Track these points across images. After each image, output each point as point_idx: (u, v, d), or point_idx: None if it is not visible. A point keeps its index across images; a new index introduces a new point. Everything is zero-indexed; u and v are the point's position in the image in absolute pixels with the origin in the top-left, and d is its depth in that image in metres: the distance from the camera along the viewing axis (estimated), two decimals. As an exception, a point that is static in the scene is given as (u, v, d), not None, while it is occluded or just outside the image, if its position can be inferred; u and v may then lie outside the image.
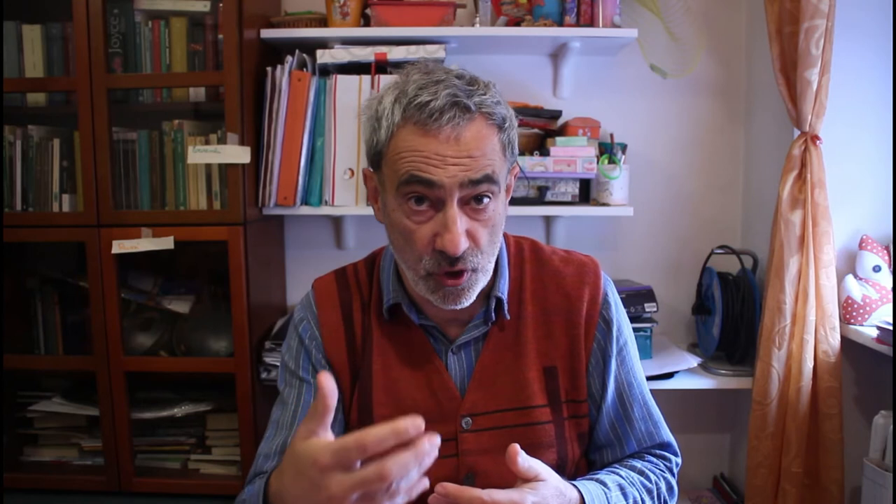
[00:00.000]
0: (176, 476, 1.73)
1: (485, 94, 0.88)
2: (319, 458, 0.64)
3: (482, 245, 0.89)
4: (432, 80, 0.87)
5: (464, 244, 0.86)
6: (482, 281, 0.93)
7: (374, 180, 0.96)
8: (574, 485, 0.89)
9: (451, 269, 0.88)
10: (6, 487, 1.69)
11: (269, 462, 0.98)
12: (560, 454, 0.98)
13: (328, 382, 0.66)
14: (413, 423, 0.62)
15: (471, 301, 0.92)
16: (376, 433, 0.62)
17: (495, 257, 0.95)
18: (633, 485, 0.96)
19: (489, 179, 0.87)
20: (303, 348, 1.02)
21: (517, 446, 0.81)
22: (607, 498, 0.91)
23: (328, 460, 0.64)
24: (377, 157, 0.91)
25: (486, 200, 0.88)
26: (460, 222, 0.86)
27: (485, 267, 0.92)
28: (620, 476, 0.97)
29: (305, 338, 1.02)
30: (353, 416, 0.99)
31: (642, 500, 0.96)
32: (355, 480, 0.63)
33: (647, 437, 1.03)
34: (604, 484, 0.93)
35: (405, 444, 0.63)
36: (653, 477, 0.99)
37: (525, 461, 0.82)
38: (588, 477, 0.96)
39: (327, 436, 0.68)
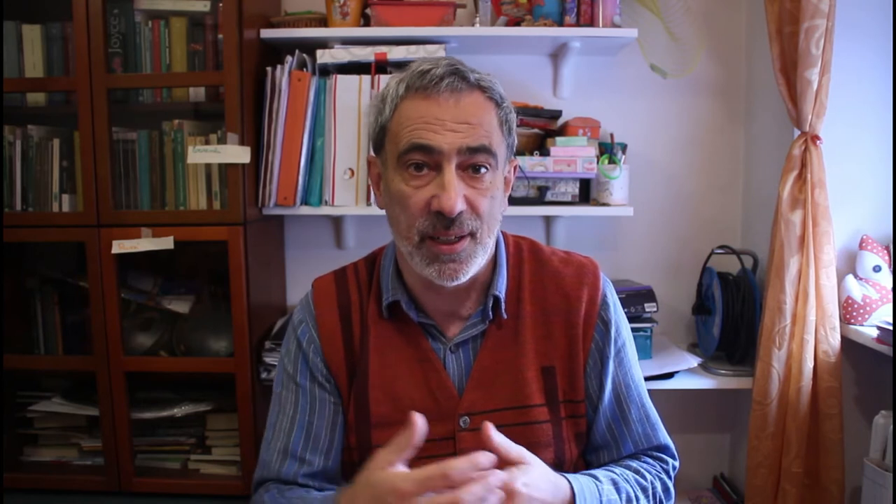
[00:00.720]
0: (176, 476, 1.73)
1: (484, 76, 0.92)
2: (400, 485, 0.74)
3: (482, 212, 0.90)
4: (434, 58, 0.92)
5: (460, 205, 0.88)
6: (480, 256, 0.93)
7: (377, 165, 0.98)
8: (563, 475, 0.89)
9: (447, 233, 0.89)
10: (6, 487, 1.69)
11: (273, 468, 0.98)
12: (557, 454, 0.98)
13: (421, 422, 0.76)
14: (487, 457, 0.74)
15: (468, 276, 0.93)
16: (460, 466, 0.72)
17: (495, 236, 0.96)
18: (628, 481, 0.96)
19: (486, 150, 0.89)
20: (300, 352, 1.02)
21: (490, 423, 0.82)
22: (598, 490, 0.91)
23: (410, 488, 0.73)
24: (381, 134, 0.94)
25: (483, 171, 0.90)
26: (457, 185, 0.88)
27: (483, 239, 0.92)
28: (614, 472, 0.97)
29: (304, 341, 1.02)
30: (351, 416, 0.99)
31: (636, 496, 0.96)
32: None
33: (644, 438, 1.03)
34: (595, 477, 0.94)
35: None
36: (648, 476, 0.99)
37: (497, 436, 0.82)
38: (580, 473, 0.96)
39: (402, 468, 0.77)
